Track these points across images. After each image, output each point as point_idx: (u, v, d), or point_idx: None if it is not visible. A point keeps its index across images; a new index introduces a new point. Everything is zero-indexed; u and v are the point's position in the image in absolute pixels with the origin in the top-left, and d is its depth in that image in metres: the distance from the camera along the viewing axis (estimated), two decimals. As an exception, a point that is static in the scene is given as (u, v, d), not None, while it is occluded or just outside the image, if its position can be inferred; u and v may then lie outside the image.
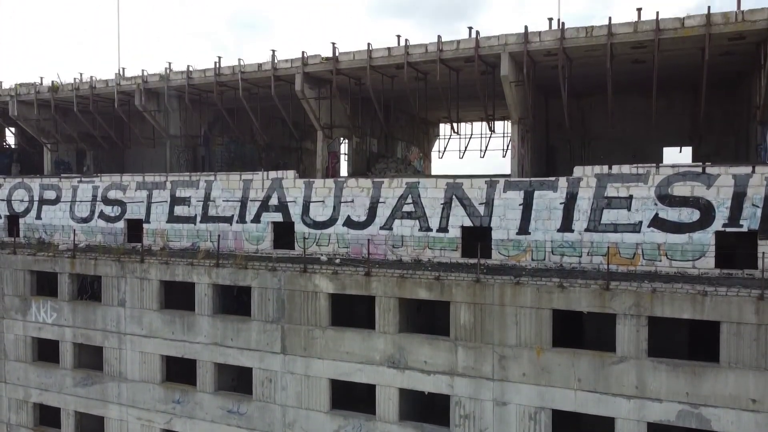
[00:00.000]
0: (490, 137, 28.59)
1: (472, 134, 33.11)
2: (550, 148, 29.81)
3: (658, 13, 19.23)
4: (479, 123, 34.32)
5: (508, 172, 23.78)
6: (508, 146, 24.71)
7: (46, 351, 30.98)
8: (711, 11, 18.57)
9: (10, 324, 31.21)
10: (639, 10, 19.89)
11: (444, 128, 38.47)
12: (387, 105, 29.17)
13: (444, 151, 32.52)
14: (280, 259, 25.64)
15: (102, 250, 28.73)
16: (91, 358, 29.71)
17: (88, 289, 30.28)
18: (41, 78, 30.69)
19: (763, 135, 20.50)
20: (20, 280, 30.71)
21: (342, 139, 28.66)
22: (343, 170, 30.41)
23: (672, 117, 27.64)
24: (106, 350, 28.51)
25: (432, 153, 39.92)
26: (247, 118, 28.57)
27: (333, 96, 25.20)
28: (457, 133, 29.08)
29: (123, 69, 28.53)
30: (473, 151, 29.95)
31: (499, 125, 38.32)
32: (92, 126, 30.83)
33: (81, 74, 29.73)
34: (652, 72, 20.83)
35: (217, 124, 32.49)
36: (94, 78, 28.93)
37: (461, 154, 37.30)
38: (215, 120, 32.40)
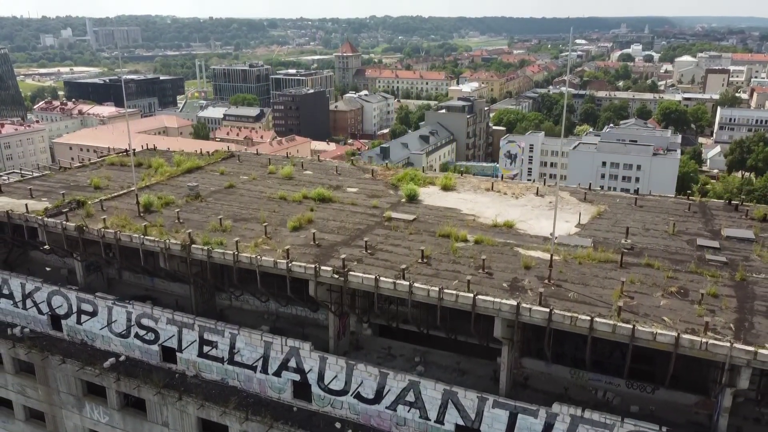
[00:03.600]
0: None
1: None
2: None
3: (634, 326, 21.59)
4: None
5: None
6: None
7: (102, 436, 36.61)
8: (680, 335, 20.99)
9: (68, 414, 36.51)
10: (619, 309, 22.16)
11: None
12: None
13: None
14: (300, 414, 29.97)
15: (143, 377, 32.84)
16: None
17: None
18: (65, 214, 32.47)
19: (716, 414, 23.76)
20: (72, 383, 35.38)
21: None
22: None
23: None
24: (156, 456, 34.08)
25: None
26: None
27: (344, 301, 27.71)
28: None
29: (145, 226, 30.45)
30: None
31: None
32: (120, 266, 33.29)
33: (105, 219, 31.62)
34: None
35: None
36: (118, 232, 30.94)
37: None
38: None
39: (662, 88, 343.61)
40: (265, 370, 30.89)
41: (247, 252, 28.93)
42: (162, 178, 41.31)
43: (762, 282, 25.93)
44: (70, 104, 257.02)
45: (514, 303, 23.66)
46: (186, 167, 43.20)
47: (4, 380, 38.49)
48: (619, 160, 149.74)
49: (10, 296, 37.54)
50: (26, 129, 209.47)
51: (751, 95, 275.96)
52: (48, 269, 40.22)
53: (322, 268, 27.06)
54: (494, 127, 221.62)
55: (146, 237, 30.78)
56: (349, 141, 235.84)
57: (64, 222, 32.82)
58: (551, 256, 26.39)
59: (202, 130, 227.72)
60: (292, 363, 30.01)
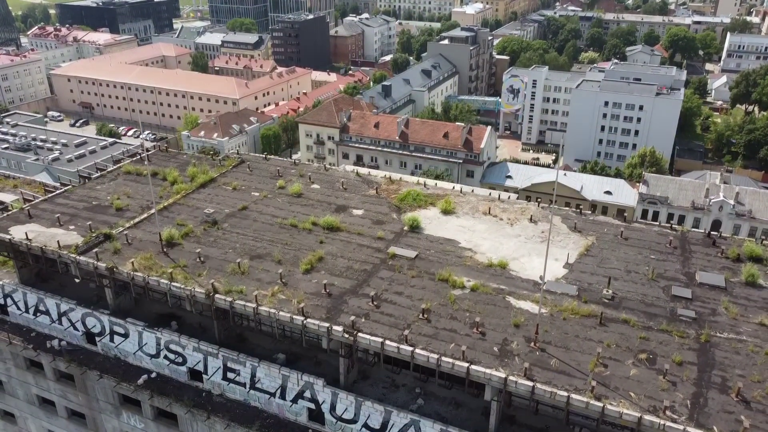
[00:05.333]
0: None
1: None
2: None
3: (604, 405, 25.15)
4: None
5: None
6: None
7: (138, 435, 41.32)
8: (642, 417, 24.59)
9: (107, 418, 41.09)
10: (593, 387, 25.61)
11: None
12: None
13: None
14: (315, 436, 34.36)
15: (174, 395, 36.96)
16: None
17: (164, 400, 39.19)
18: (96, 254, 35.39)
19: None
20: (109, 394, 39.66)
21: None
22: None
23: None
24: (189, 461, 38.83)
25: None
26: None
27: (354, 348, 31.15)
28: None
29: (171, 273, 33.50)
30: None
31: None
32: (147, 298, 36.55)
33: (133, 262, 34.62)
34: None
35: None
36: (147, 277, 34.01)
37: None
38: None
39: (672, 7, 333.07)
40: (283, 397, 34.90)
41: (265, 304, 32.17)
42: (178, 197, 43.78)
43: (723, 344, 29.28)
44: (64, 30, 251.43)
45: (503, 375, 27.14)
46: (200, 182, 45.54)
47: (47, 385, 42.84)
48: (621, 100, 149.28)
49: (47, 313, 41.13)
50: (22, 60, 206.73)
51: (763, 19, 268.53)
52: (77, 280, 43.56)
53: (334, 328, 30.37)
54: (498, 57, 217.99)
55: (173, 284, 33.91)
56: (350, 70, 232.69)
57: (96, 262, 35.81)
58: (537, 326, 29.59)
59: (200, 59, 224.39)
60: (307, 394, 33.95)
